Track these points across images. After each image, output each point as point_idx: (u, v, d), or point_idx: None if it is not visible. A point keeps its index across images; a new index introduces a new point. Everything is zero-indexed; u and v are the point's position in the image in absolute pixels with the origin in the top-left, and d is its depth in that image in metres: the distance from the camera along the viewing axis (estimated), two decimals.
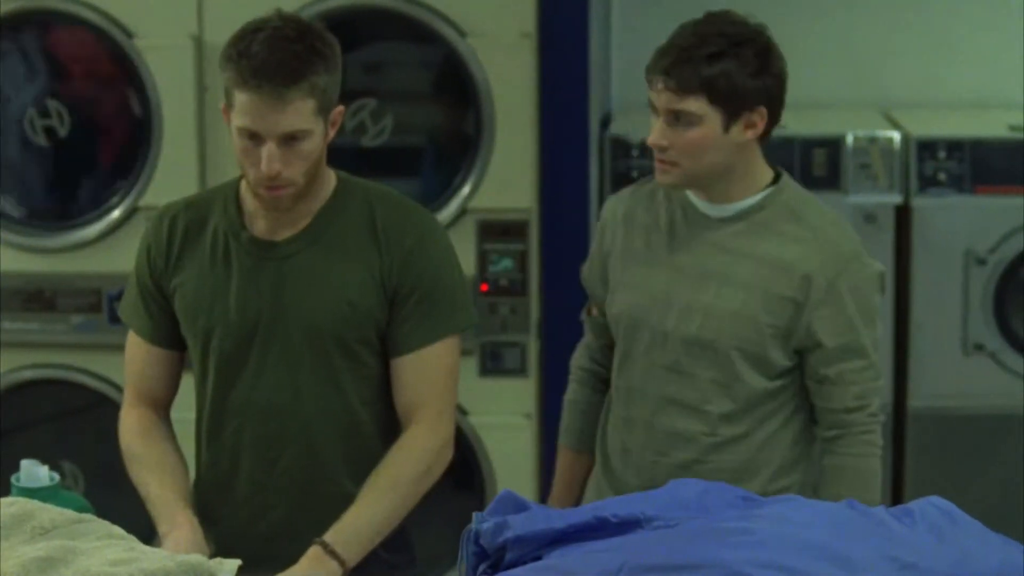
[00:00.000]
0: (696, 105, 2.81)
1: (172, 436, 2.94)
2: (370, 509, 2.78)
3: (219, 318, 2.85)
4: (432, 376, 2.86)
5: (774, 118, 2.89)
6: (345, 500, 2.81)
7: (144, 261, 2.93)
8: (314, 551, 2.71)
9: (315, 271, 2.83)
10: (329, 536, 2.73)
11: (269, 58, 2.67)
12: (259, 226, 2.86)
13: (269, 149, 2.70)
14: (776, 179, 2.96)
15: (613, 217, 3.07)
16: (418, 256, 2.84)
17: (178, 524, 2.72)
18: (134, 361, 2.96)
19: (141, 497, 2.84)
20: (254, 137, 2.71)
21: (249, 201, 2.86)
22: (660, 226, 2.98)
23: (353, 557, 2.73)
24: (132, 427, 2.92)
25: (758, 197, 2.92)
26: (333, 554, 2.71)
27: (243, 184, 2.88)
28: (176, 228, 2.90)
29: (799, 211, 2.93)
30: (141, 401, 2.94)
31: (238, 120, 2.71)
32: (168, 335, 2.93)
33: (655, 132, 2.87)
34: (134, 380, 2.96)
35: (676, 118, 2.84)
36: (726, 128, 2.83)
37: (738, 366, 2.90)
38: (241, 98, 2.69)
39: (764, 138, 2.92)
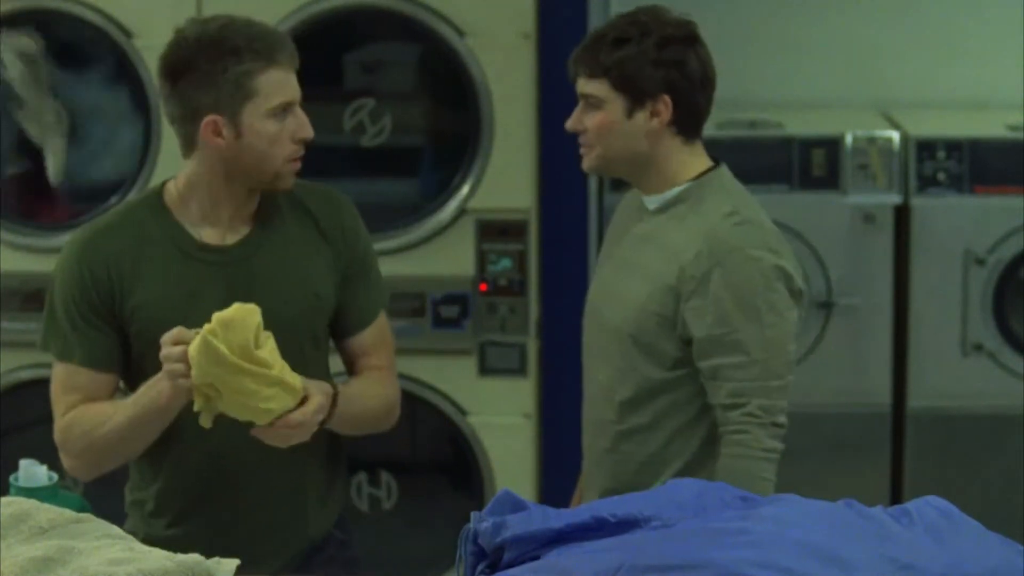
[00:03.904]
0: (600, 89, 2.89)
1: None
2: (361, 388, 2.88)
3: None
4: (387, 340, 2.97)
5: (685, 109, 2.89)
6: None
7: (76, 291, 2.78)
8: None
9: (278, 268, 2.83)
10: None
11: (272, 32, 2.77)
12: (208, 233, 2.81)
13: (302, 113, 2.77)
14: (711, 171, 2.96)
15: (616, 215, 3.13)
16: (355, 235, 2.92)
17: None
18: (74, 390, 2.81)
19: (123, 430, 2.75)
20: (284, 112, 2.75)
21: (194, 210, 2.80)
22: (626, 219, 3.05)
23: (342, 399, 2.77)
24: (68, 418, 2.81)
25: (680, 188, 2.93)
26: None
27: (167, 195, 2.82)
28: (110, 252, 2.79)
29: (704, 202, 2.90)
30: None
31: (275, 100, 2.73)
32: (114, 358, 2.82)
33: (572, 117, 2.95)
34: (73, 408, 2.80)
35: (587, 102, 2.92)
36: (629, 114, 2.89)
37: (633, 354, 2.91)
38: (270, 78, 2.72)
39: (690, 132, 2.92)
